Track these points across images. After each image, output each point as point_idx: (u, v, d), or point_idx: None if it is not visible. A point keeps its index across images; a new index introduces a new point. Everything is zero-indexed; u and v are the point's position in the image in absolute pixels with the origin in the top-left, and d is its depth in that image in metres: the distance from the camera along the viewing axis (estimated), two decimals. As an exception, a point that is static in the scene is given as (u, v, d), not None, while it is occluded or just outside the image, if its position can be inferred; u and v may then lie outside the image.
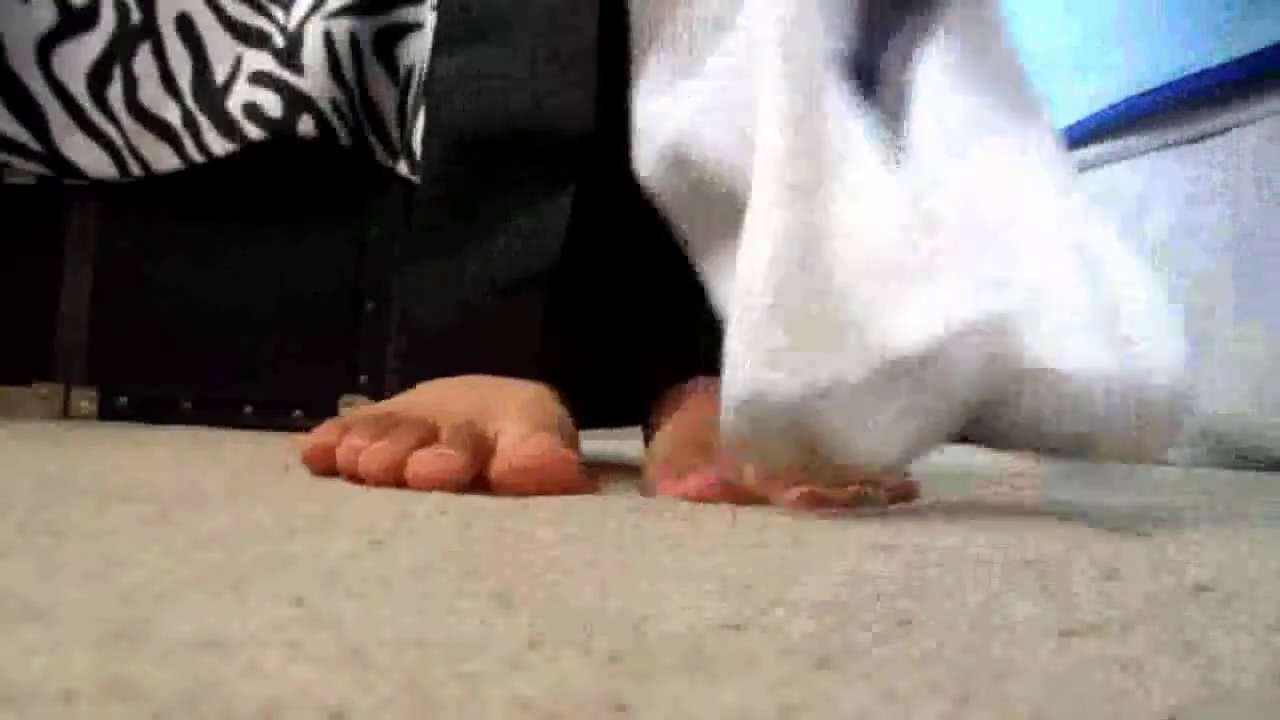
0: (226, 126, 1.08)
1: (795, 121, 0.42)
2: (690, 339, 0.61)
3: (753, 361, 0.41)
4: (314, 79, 1.06)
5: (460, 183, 0.62)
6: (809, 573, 0.31)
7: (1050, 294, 0.46)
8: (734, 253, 0.42)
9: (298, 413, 1.12)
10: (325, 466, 0.52)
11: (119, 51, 1.10)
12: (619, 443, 0.85)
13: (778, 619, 0.24)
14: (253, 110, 1.07)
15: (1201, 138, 1.25)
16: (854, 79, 0.46)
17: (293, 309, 1.14)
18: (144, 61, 1.10)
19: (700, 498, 0.49)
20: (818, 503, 0.47)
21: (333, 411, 1.11)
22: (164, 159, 1.10)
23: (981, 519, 0.47)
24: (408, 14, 1.10)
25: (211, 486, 0.48)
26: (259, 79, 1.08)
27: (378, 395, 1.11)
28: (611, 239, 0.62)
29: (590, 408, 0.62)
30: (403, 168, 1.09)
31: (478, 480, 0.50)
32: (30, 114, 1.09)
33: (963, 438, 0.53)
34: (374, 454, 0.48)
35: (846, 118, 0.44)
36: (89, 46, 1.10)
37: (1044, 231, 0.48)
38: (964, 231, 0.45)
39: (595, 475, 0.59)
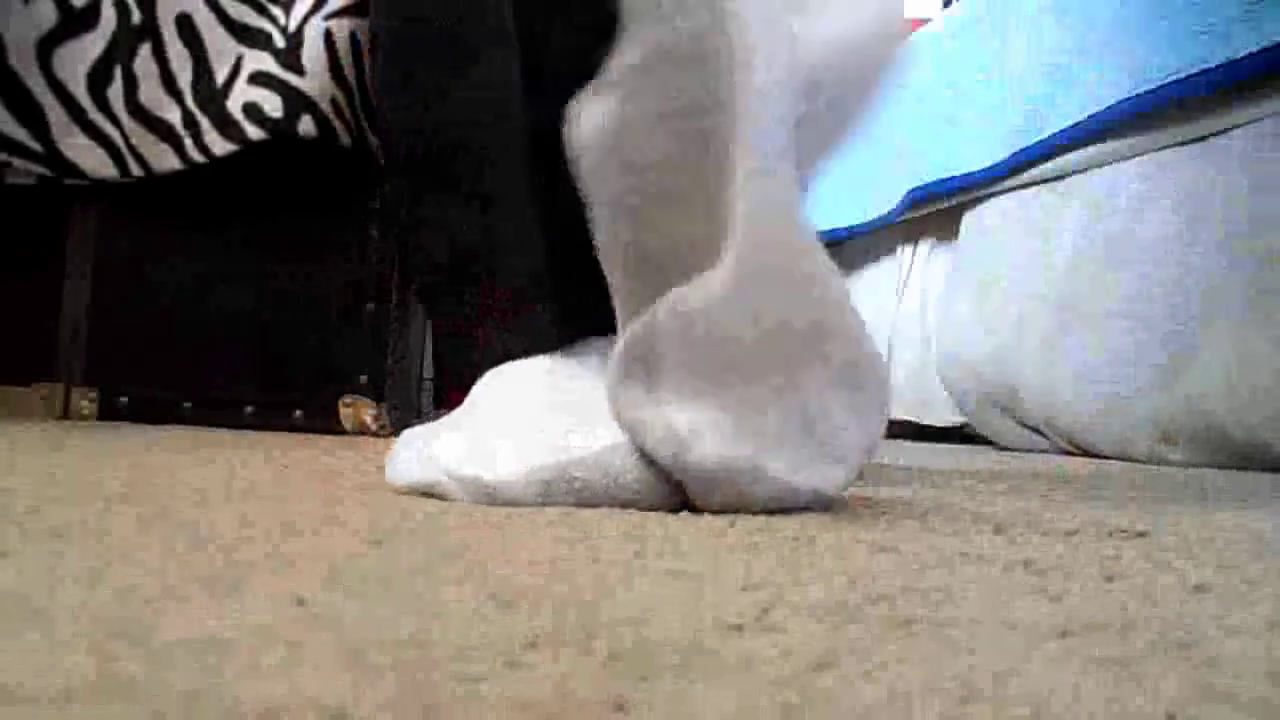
0: (227, 127, 1.08)
1: None
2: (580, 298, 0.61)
3: None
4: (314, 79, 1.06)
5: None
6: (809, 573, 0.31)
7: None
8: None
9: (298, 413, 1.12)
10: None
11: (119, 52, 1.10)
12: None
13: (778, 619, 0.24)
14: (253, 110, 1.07)
15: (1201, 138, 1.25)
16: None
17: (292, 309, 1.14)
18: (144, 62, 1.10)
19: None
20: None
21: (333, 411, 1.11)
22: (164, 159, 1.10)
23: (982, 520, 0.47)
24: (408, 14, 1.10)
25: (211, 486, 0.48)
26: (259, 79, 1.08)
27: (378, 395, 1.11)
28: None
29: None
30: (403, 168, 1.09)
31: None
32: (30, 114, 1.09)
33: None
34: None
35: None
36: (89, 47, 1.10)
37: None
38: None
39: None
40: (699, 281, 0.42)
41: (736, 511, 0.43)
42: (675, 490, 0.44)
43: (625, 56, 0.43)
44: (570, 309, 0.54)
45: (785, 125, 0.42)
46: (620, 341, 0.44)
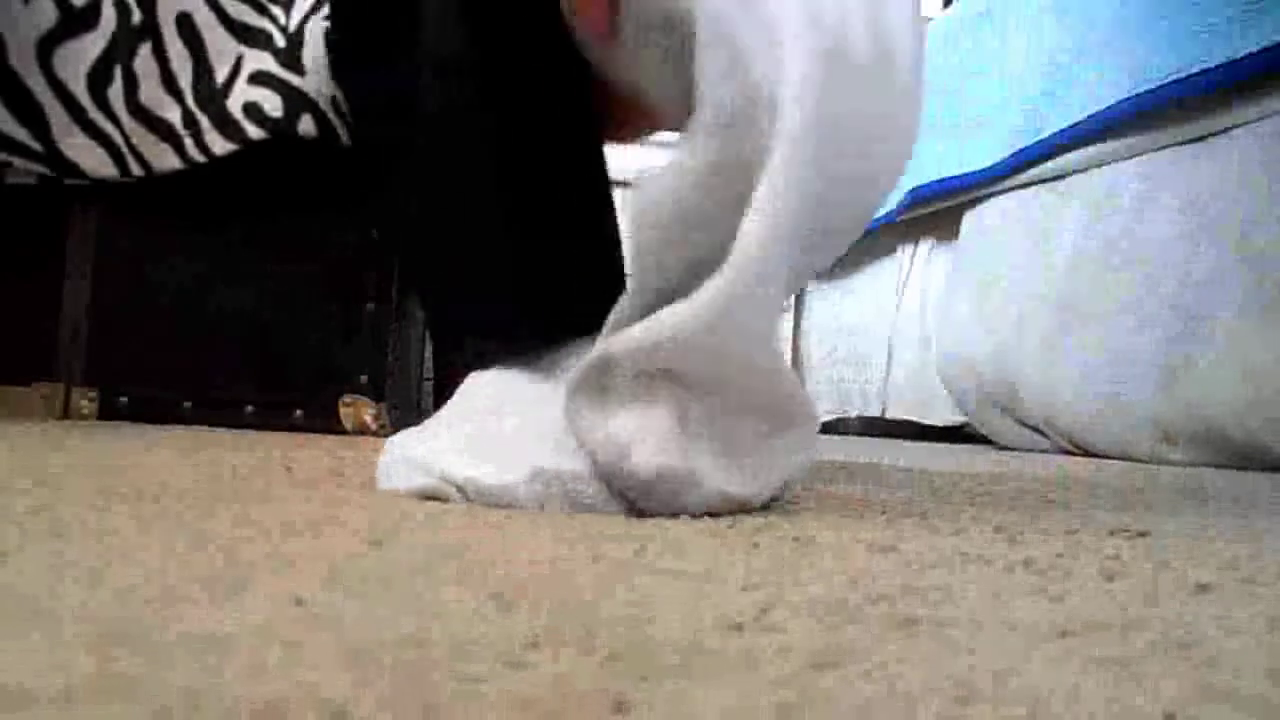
0: (227, 126, 1.08)
1: None
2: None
3: None
4: (314, 79, 1.06)
5: None
6: (809, 573, 0.31)
7: None
8: None
9: (298, 413, 1.12)
10: None
11: (119, 51, 1.10)
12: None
13: (778, 619, 0.24)
14: (253, 110, 1.07)
15: (1201, 138, 1.25)
16: None
17: (292, 309, 1.14)
18: (144, 61, 1.10)
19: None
20: None
21: (333, 411, 1.11)
22: (165, 159, 1.10)
23: (982, 519, 0.47)
24: (408, 14, 1.09)
25: (211, 486, 0.48)
26: (259, 79, 1.08)
27: (378, 395, 1.11)
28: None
29: None
30: (403, 168, 1.09)
31: None
32: (30, 114, 1.09)
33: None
34: None
35: None
36: (89, 46, 1.10)
37: None
38: None
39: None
40: (675, 309, 0.43)
41: (674, 516, 0.44)
42: (624, 495, 0.45)
43: (698, 119, 0.44)
44: (550, 309, 0.54)
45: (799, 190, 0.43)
46: (592, 354, 0.45)
